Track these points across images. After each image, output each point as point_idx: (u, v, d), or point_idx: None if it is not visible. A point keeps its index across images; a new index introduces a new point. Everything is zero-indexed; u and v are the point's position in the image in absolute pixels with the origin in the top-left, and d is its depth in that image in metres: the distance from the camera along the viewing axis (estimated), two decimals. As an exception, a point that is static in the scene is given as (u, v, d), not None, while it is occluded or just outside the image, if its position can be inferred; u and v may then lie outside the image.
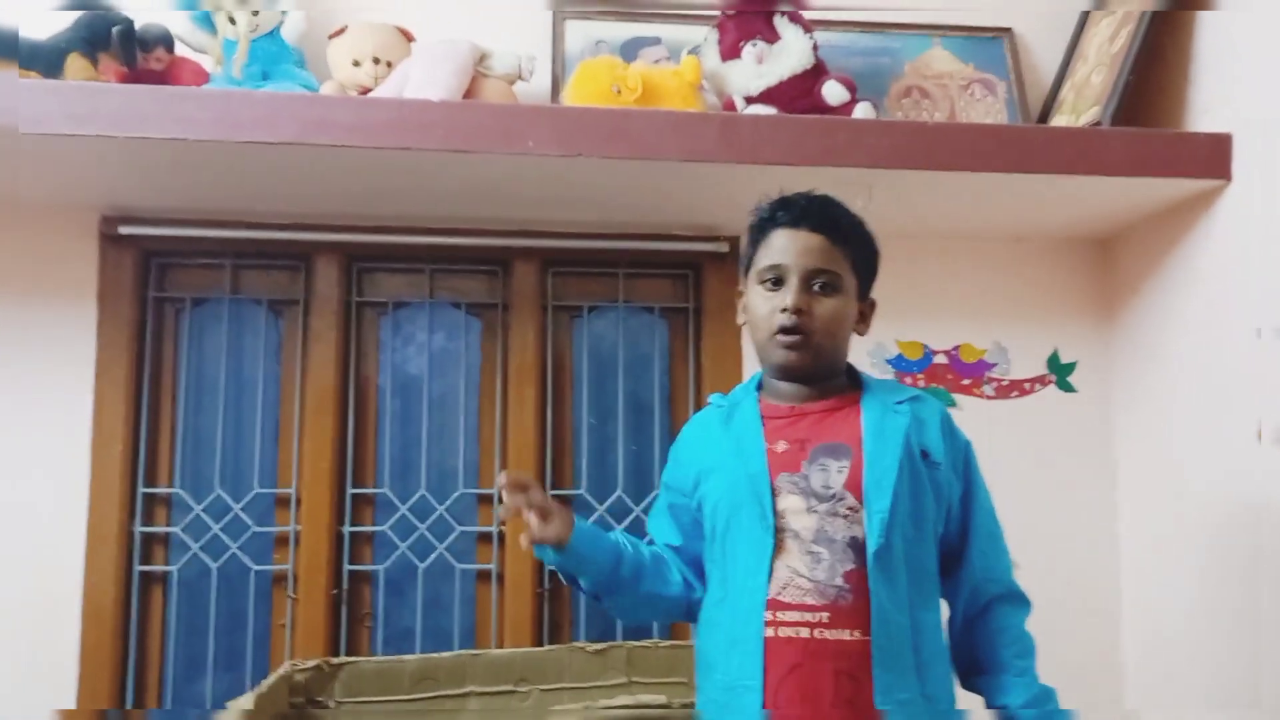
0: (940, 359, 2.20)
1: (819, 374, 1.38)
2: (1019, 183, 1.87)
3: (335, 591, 2.08)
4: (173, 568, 2.08)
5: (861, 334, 1.43)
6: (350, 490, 2.12)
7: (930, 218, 2.09)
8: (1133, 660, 2.14)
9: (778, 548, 1.32)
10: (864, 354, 2.15)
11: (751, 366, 2.14)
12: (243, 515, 2.09)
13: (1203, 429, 1.91)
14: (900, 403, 1.38)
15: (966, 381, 2.19)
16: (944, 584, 1.39)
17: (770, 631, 1.28)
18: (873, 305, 1.44)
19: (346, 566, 2.10)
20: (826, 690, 1.26)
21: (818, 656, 1.27)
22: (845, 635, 1.27)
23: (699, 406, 2.19)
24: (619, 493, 2.17)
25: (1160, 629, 2.05)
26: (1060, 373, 2.22)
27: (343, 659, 1.79)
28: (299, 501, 2.09)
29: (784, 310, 1.33)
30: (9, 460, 1.99)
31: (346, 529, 2.11)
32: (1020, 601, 1.41)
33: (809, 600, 1.28)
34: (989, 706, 1.35)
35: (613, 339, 2.24)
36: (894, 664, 1.26)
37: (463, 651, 1.83)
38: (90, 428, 2.02)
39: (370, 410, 2.18)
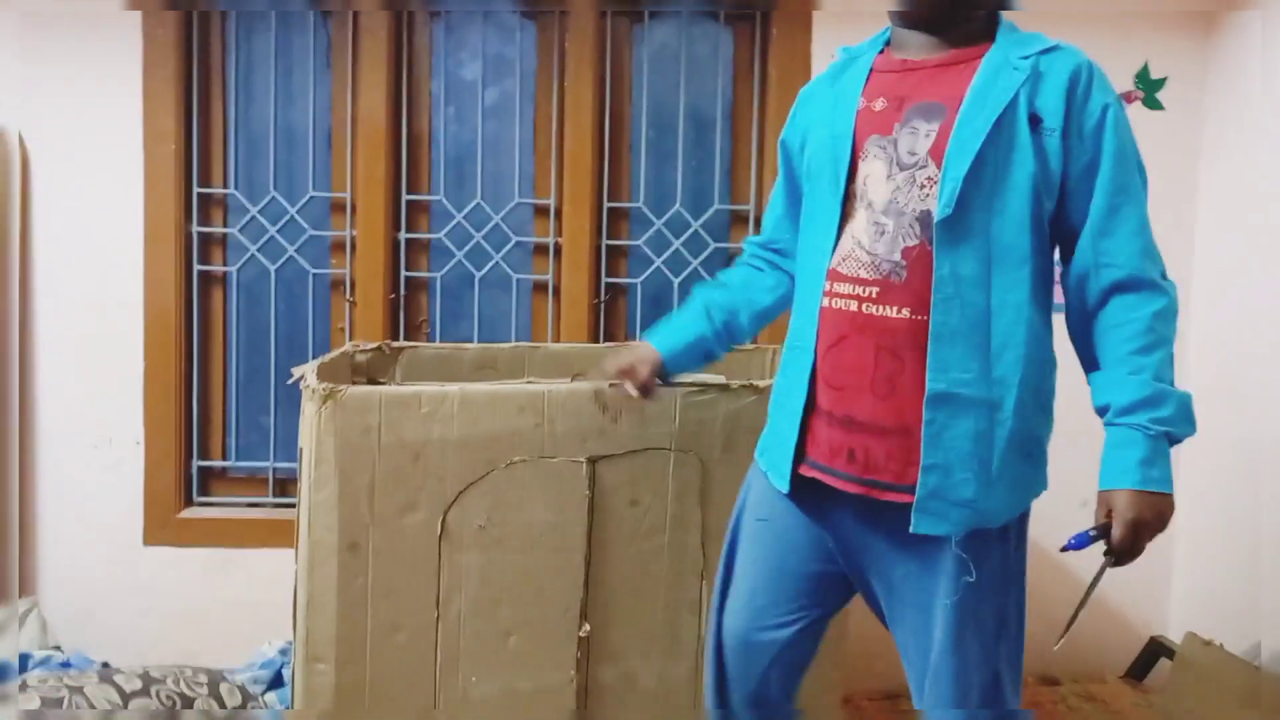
0: (1021, 73, 2.07)
1: (942, 20, 1.24)
2: None
3: (393, 296, 2.08)
4: (231, 268, 2.08)
5: None
6: (405, 196, 2.09)
7: (1023, -92, 1.92)
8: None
9: (848, 216, 1.26)
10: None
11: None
12: (299, 219, 2.07)
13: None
14: (1025, 57, 1.19)
15: (1047, 96, 2.07)
16: (1063, 273, 1.25)
17: (826, 301, 1.25)
18: None
19: (404, 273, 2.09)
20: (868, 365, 1.22)
21: (863, 331, 1.22)
22: (890, 313, 1.21)
23: (763, 121, 2.11)
24: (677, 207, 2.11)
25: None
26: (1149, 89, 2.09)
27: (404, 343, 1.80)
28: (354, 207, 2.07)
29: None
30: (63, 154, 1.98)
31: (402, 235, 2.09)
32: (1149, 289, 1.17)
33: (863, 274, 1.23)
34: (1095, 406, 1.21)
35: (674, 48, 2.12)
36: (954, 341, 1.19)
37: (521, 343, 1.84)
38: (141, 125, 1.98)
39: (424, 116, 2.11)
